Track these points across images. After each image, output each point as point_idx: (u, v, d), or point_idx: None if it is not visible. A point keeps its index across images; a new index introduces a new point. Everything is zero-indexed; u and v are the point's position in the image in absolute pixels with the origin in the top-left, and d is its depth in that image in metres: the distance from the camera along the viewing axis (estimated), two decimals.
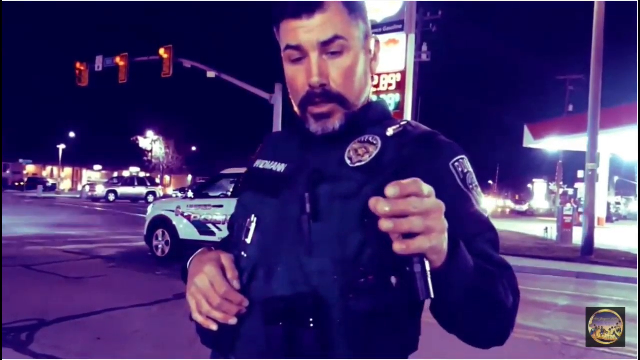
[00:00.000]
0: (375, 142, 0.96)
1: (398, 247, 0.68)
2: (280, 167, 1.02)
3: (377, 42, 1.05)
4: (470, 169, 0.96)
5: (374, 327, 0.88)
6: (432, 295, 0.68)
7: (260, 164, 1.07)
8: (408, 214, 0.67)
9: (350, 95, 0.97)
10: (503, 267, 0.89)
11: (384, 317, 0.88)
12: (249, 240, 0.99)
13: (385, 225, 0.67)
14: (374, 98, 1.07)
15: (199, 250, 1.02)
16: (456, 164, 0.94)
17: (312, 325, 0.85)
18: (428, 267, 0.68)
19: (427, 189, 0.69)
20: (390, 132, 0.96)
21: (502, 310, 0.85)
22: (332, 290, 0.88)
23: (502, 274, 0.87)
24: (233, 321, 0.92)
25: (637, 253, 10.33)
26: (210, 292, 0.91)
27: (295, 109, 1.02)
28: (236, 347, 0.95)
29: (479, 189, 0.96)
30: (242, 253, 0.98)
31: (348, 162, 0.94)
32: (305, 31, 0.94)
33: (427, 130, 0.99)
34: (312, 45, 0.94)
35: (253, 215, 1.00)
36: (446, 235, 0.72)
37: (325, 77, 0.95)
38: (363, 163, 0.93)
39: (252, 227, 0.99)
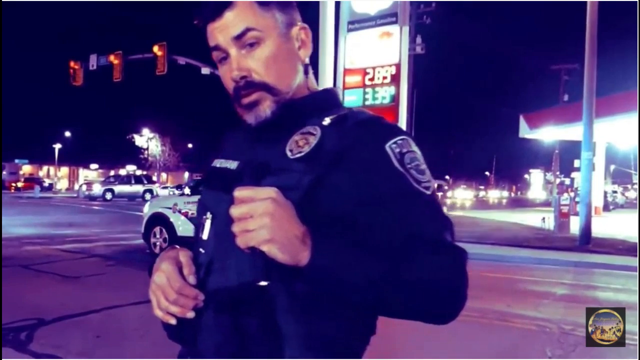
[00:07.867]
0: (315, 132, 0.97)
1: (237, 240, 0.83)
2: (233, 164, 1.05)
3: (304, 28, 1.05)
4: (412, 149, 0.96)
5: (320, 310, 0.91)
6: (263, 282, 0.86)
7: (217, 162, 1.11)
8: (241, 218, 0.83)
9: (275, 82, 0.99)
10: (434, 244, 0.89)
11: (328, 299, 0.89)
12: (205, 237, 1.03)
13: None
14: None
15: (164, 249, 1.06)
16: (393, 145, 0.94)
17: (254, 313, 0.90)
18: (250, 257, 0.85)
19: (256, 194, 0.83)
20: (327, 120, 0.98)
21: (423, 290, 0.86)
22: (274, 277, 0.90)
23: (434, 251, 0.88)
24: (191, 315, 0.95)
25: (637, 241, 10.38)
26: (167, 288, 0.95)
27: (234, 108, 1.04)
28: (197, 339, 0.99)
29: (422, 167, 0.96)
30: (200, 249, 1.03)
31: (289, 153, 0.96)
32: (219, 31, 0.98)
33: (368, 115, 1.00)
34: (227, 42, 0.98)
35: (208, 213, 1.03)
36: (283, 235, 0.82)
37: (246, 69, 0.98)
38: (302, 154, 0.95)
39: (207, 223, 1.03)
